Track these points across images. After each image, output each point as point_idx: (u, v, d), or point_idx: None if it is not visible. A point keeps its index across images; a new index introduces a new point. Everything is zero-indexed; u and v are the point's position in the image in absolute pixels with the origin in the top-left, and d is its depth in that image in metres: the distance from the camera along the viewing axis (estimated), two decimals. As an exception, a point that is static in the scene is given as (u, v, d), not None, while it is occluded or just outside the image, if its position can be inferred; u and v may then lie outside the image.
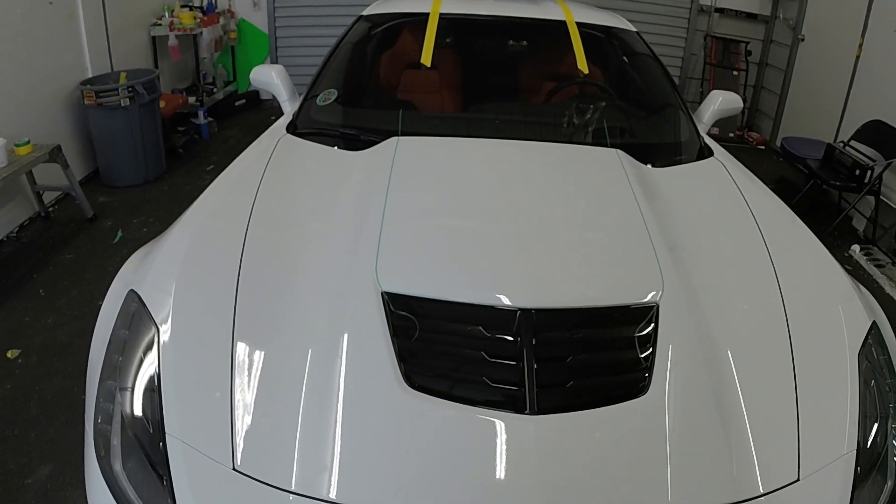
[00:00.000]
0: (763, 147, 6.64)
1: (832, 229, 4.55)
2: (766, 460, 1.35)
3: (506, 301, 1.50)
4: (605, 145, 2.28)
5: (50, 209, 4.30)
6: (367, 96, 2.91)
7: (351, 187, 1.96)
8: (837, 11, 5.52)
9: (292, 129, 2.44)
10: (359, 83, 2.91)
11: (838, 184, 4.50)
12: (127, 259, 1.87)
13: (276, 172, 2.08)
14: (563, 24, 2.80)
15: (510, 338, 1.45)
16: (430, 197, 1.93)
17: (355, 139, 2.29)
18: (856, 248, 4.37)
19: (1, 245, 3.85)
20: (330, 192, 1.98)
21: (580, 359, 1.44)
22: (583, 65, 2.60)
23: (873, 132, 4.59)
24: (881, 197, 4.46)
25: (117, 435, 1.39)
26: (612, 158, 2.15)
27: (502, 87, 2.90)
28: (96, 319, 1.69)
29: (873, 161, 4.38)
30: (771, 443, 1.38)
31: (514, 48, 3.09)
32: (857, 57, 5.07)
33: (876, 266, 4.13)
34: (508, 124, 2.56)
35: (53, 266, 3.66)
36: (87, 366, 1.60)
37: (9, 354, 2.89)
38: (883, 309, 1.82)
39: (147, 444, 1.35)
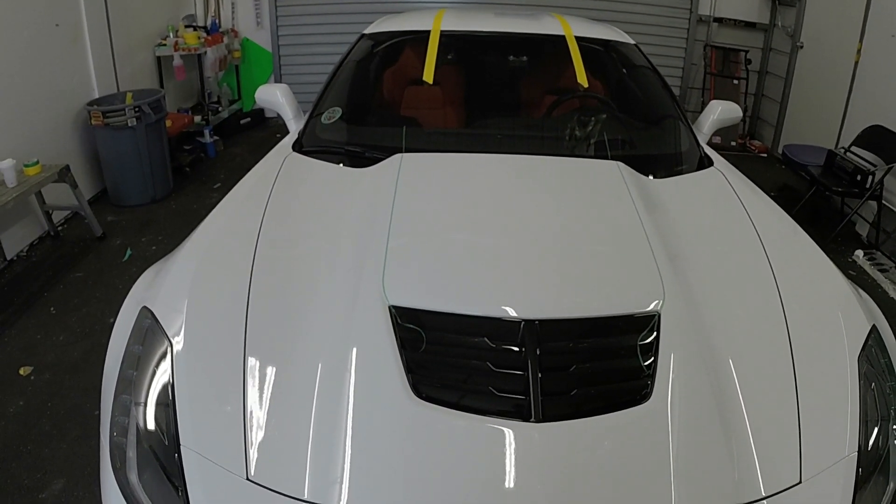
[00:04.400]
0: (765, 155, 6.67)
1: (835, 235, 4.57)
2: (768, 463, 1.37)
3: (510, 313, 1.53)
4: (606, 158, 2.31)
5: (59, 228, 4.36)
6: (371, 114, 2.96)
7: (356, 204, 2.00)
8: (835, 18, 5.55)
9: (298, 147, 2.48)
10: (362, 101, 2.95)
11: (840, 190, 4.52)
12: (137, 277, 1.91)
13: (284, 190, 2.12)
14: (562, 38, 2.83)
15: (515, 348, 1.48)
16: (433, 212, 1.96)
17: (360, 156, 2.34)
18: (859, 253, 4.38)
19: (12, 264, 3.90)
20: (336, 208, 2.02)
21: (584, 367, 1.47)
22: (582, 78, 2.64)
23: (873, 137, 4.62)
24: (883, 202, 4.48)
25: (133, 447, 1.41)
26: (613, 171, 2.18)
27: (503, 102, 2.94)
28: (107, 337, 1.72)
29: (874, 166, 4.40)
30: (772, 446, 1.40)
31: (515, 63, 3.13)
32: (856, 62, 5.10)
33: (880, 271, 4.14)
34: (510, 139, 2.60)
35: (64, 284, 3.70)
36: (100, 381, 1.63)
37: (21, 371, 2.93)
38: (888, 313, 1.84)
39: (162, 456, 1.38)
